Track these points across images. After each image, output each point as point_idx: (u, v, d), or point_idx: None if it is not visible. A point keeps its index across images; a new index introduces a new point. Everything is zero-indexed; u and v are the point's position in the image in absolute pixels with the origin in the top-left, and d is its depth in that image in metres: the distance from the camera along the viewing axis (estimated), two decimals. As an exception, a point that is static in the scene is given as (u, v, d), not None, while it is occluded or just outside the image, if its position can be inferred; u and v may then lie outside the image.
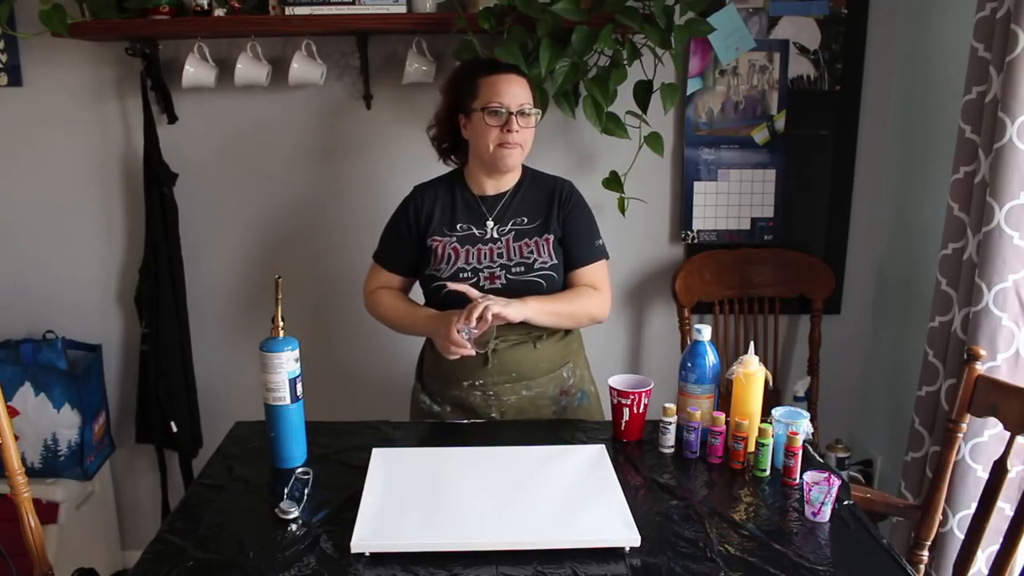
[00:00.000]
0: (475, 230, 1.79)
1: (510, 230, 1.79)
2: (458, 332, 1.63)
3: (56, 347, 2.35)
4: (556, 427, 1.72)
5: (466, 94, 1.77)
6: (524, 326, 1.74)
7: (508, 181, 1.83)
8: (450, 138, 1.86)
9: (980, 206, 1.79)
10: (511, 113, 1.72)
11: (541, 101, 2.10)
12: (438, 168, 1.93)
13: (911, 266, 2.31)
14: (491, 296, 1.66)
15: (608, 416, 1.73)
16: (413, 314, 1.81)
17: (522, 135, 1.74)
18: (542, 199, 1.83)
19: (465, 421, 1.78)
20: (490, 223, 1.80)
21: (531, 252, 1.77)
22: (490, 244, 1.78)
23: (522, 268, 1.76)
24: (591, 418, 1.87)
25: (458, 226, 1.80)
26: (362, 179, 2.41)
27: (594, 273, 1.84)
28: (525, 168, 1.87)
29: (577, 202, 1.85)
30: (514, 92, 1.74)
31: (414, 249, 1.84)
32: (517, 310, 1.67)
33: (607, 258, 1.87)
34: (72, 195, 2.42)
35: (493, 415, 1.80)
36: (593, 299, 1.81)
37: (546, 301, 1.74)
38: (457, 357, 1.67)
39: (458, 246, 1.77)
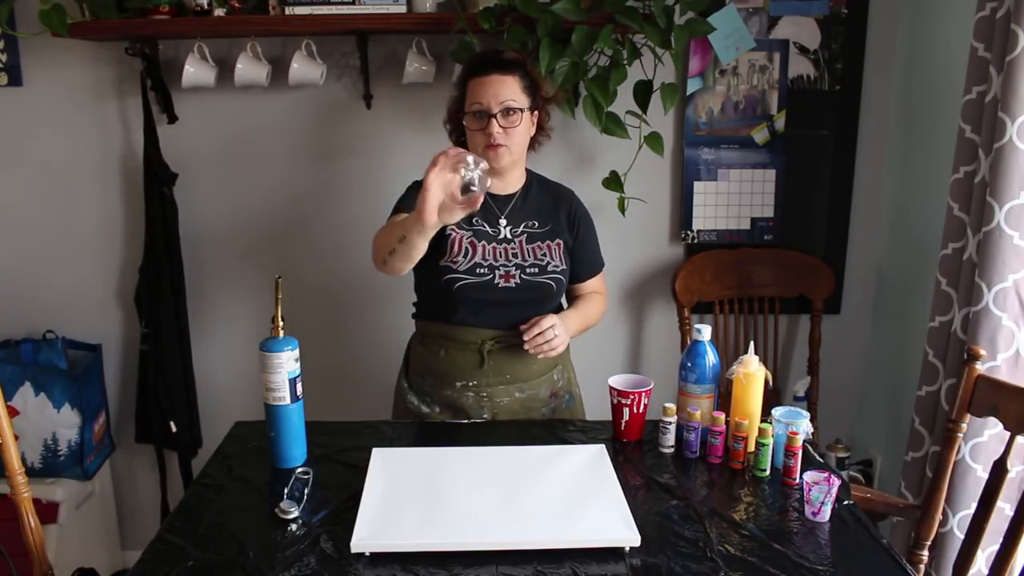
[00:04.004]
0: (488, 228, 1.79)
1: (522, 232, 1.80)
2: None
3: (56, 347, 2.34)
4: (555, 427, 1.72)
5: (461, 95, 1.79)
6: (518, 328, 1.75)
7: (513, 182, 1.83)
8: (460, 132, 1.85)
9: (980, 206, 1.79)
10: (492, 115, 1.70)
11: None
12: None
13: (911, 266, 2.31)
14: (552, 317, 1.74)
15: (590, 418, 1.83)
16: (404, 219, 1.58)
17: (507, 135, 1.72)
18: (550, 205, 1.86)
19: (465, 422, 1.78)
20: (503, 221, 1.80)
21: (544, 255, 1.79)
22: (504, 244, 1.78)
23: (536, 269, 1.77)
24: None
25: (474, 219, 1.78)
26: (362, 179, 2.41)
27: (598, 282, 1.96)
28: (530, 172, 1.88)
29: (584, 217, 1.90)
30: (495, 92, 1.70)
31: None
32: (565, 335, 1.77)
33: (604, 264, 1.98)
34: (72, 195, 2.41)
35: (484, 416, 1.80)
36: (600, 305, 1.95)
37: (574, 319, 1.84)
38: (432, 217, 1.38)
39: (475, 240, 1.77)
